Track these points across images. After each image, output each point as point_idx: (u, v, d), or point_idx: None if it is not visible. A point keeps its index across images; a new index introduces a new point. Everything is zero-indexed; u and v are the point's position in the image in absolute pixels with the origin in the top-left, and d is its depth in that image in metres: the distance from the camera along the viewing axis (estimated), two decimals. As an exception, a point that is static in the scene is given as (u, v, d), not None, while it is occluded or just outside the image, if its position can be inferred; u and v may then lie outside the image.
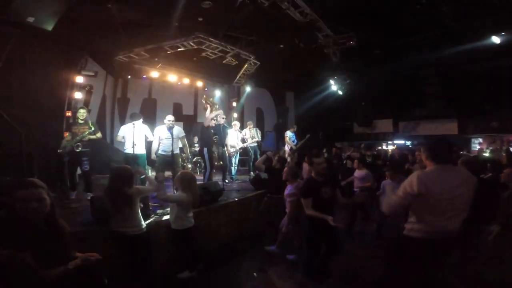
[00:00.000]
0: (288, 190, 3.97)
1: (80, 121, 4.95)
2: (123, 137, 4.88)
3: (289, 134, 8.77)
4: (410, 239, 2.15)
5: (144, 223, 3.03)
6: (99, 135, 5.12)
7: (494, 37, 6.78)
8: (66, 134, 4.88)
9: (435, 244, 2.07)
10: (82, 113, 5.01)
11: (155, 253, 3.36)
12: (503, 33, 6.68)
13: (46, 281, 1.46)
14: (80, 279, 1.69)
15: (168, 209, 3.99)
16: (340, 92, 9.39)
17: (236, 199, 5.21)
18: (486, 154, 9.39)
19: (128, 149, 4.75)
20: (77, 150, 4.72)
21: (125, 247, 2.87)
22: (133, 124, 4.68)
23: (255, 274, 3.86)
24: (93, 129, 4.92)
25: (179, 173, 3.73)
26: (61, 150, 4.71)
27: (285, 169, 4.31)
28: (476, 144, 11.69)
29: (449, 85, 10.84)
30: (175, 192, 4.02)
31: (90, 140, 4.94)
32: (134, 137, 4.59)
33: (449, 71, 10.48)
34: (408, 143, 13.22)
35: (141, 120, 4.93)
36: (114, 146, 7.94)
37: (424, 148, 2.24)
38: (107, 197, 2.90)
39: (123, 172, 2.94)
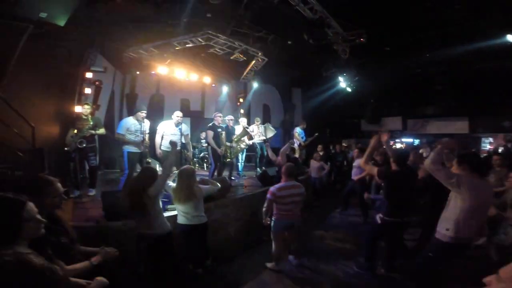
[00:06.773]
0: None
1: (84, 117, 4.97)
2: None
3: (298, 130, 8.75)
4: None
5: (168, 224, 2.94)
6: (102, 130, 5.10)
7: (509, 36, 6.63)
8: (72, 130, 4.88)
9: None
10: (86, 108, 5.02)
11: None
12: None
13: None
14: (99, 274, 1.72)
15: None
16: (348, 89, 9.30)
17: (244, 195, 5.24)
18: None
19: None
20: (80, 146, 4.70)
21: (147, 249, 2.80)
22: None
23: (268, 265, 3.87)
24: (91, 123, 4.90)
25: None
26: (68, 148, 4.73)
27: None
28: (487, 143, 11.49)
29: (460, 83, 10.64)
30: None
31: (93, 135, 4.95)
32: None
33: (460, 69, 10.27)
34: (417, 141, 13.06)
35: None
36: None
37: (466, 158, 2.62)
38: (127, 200, 2.78)
39: (146, 173, 2.87)
